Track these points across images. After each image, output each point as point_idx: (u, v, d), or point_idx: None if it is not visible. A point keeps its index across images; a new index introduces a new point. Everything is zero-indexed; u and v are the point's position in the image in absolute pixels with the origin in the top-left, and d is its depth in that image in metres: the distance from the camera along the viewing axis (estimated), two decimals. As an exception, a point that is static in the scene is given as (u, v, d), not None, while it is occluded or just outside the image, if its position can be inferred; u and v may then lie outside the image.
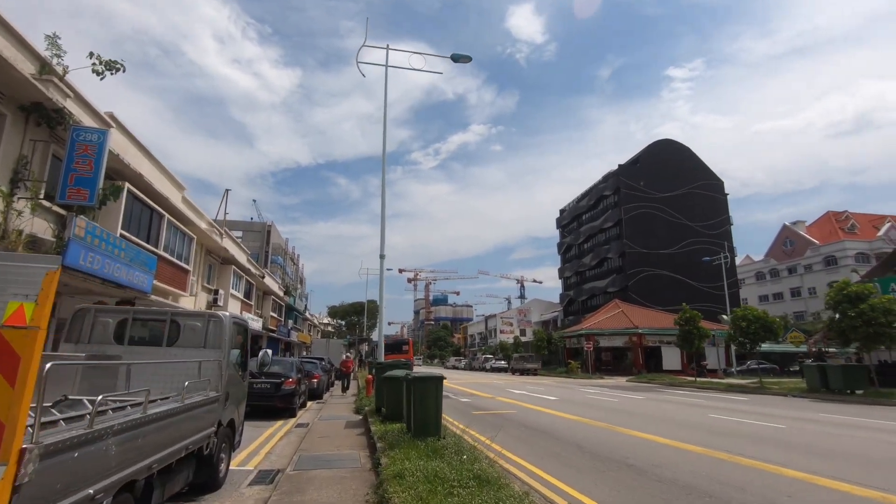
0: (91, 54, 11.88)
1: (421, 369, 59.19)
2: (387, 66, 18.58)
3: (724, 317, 50.13)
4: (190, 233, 21.00)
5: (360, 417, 11.90)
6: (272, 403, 12.75)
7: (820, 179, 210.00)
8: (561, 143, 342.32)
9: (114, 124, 14.93)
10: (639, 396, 19.23)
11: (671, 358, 44.40)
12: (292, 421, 12.41)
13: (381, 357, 16.39)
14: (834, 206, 75.01)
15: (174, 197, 19.51)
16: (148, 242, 16.74)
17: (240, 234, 56.84)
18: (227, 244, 26.75)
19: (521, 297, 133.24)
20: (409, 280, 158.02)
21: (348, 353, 17.09)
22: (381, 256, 17.22)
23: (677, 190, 59.67)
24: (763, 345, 44.66)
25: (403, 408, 9.32)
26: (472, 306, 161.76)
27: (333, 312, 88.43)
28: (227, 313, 6.14)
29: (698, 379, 28.52)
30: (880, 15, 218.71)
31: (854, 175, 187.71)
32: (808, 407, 15.84)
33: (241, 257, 30.39)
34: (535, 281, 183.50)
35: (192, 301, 23.00)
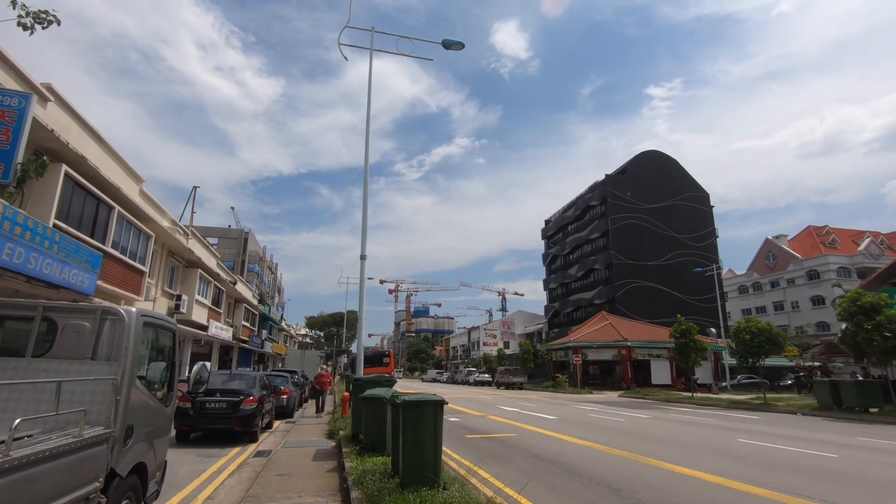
0: (14, 3, 9.84)
1: (402, 383, 56.74)
2: (371, 48, 16.92)
3: (713, 329, 49.38)
4: (147, 230, 18.75)
5: (333, 445, 9.91)
6: (228, 426, 10.68)
7: (793, 197, 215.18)
8: (543, 158, 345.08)
9: (52, 97, 12.82)
10: (644, 415, 17.57)
11: (660, 372, 43.18)
12: (251, 447, 10.36)
13: (360, 371, 14.40)
14: (805, 224, 75.83)
15: (128, 188, 17.31)
16: (92, 237, 14.52)
17: (215, 240, 54.33)
18: (194, 245, 24.47)
19: (503, 309, 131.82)
20: (391, 291, 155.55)
21: (324, 366, 14.91)
22: (362, 257, 15.34)
23: (664, 201, 59.16)
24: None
25: (387, 437, 7.41)
26: (453, 318, 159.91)
27: (311, 323, 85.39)
28: (134, 309, 4.21)
29: (695, 395, 27.09)
30: (847, 43, 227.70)
31: (824, 194, 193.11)
32: (833, 428, 14.38)
33: (210, 261, 28.04)
34: (516, 293, 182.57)
35: (149, 306, 20.64)
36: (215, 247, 49.41)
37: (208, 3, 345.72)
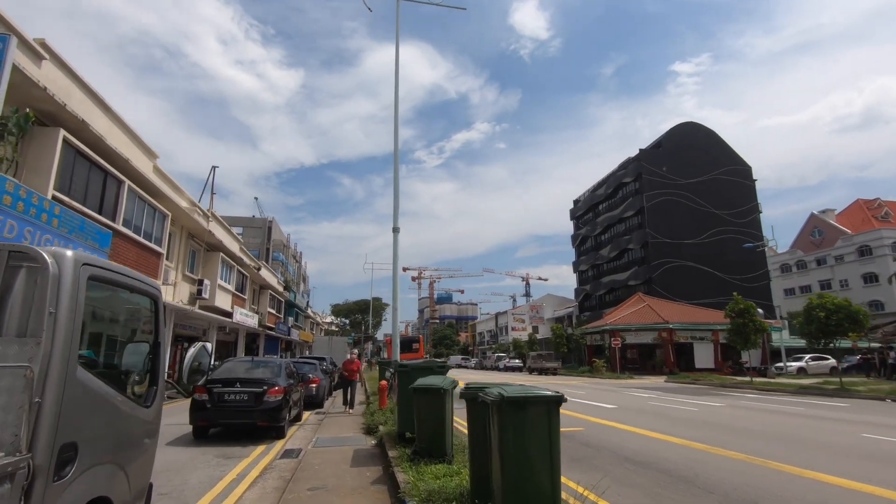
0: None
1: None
2: (398, -2, 15.14)
3: (761, 310, 46.40)
4: (163, 209, 17.49)
5: (374, 444, 8.33)
6: (251, 421, 9.23)
7: (827, 174, 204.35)
8: (564, 142, 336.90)
9: (47, 55, 11.41)
10: (716, 403, 15.58)
11: (704, 355, 40.79)
12: (278, 445, 8.89)
13: (397, 354, 12.85)
14: (840, 201, 71.00)
15: (141, 163, 16.00)
16: (100, 213, 13.23)
17: (240, 230, 54.10)
18: (215, 228, 23.29)
19: (527, 294, 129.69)
20: (413, 278, 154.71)
21: (353, 352, 13.31)
22: (395, 230, 13.71)
23: (702, 176, 55.83)
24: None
25: (447, 438, 5.75)
26: (476, 304, 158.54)
27: (337, 311, 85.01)
28: (70, 253, 2.56)
29: (753, 379, 24.82)
30: (881, 12, 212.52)
31: (860, 170, 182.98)
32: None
33: (233, 245, 26.94)
34: (540, 278, 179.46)
35: (168, 291, 19.54)
36: (240, 236, 48.90)
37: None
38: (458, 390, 4.92)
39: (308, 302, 67.19)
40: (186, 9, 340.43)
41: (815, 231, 67.96)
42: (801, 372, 32.37)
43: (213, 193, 24.60)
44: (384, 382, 10.58)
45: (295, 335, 48.79)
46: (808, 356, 34.67)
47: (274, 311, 39.50)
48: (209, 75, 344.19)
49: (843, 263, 61.92)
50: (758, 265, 55.11)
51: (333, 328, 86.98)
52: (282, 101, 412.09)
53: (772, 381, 25.33)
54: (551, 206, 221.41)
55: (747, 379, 25.44)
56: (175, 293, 20.27)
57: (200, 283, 22.00)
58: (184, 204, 19.95)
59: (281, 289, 42.98)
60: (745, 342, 24.74)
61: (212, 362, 15.96)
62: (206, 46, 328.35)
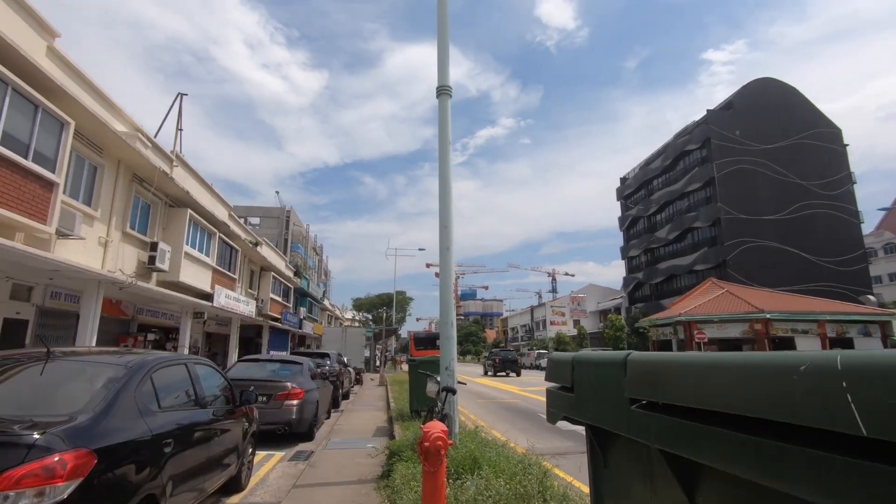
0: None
1: (472, 378, 47.77)
2: None
3: (872, 297, 37.81)
4: (61, 113, 10.84)
5: None
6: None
7: (868, 166, 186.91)
8: (587, 137, 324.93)
9: None
10: None
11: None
12: None
13: (451, 353, 5.80)
14: (877, 194, 60.61)
15: (16, 32, 9.40)
16: None
17: (257, 220, 48.94)
18: (181, 176, 16.69)
19: (553, 290, 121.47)
20: (437, 274, 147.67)
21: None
22: (442, 90, 6.62)
23: (783, 140, 47.02)
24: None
25: None
26: (502, 301, 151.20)
27: (359, 305, 78.87)
28: None
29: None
30: None
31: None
32: None
33: (217, 209, 20.22)
34: (567, 274, 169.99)
35: (86, 249, 12.94)
36: (256, 228, 43.11)
37: (253, 1, 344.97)
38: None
39: (325, 292, 60.88)
40: (214, 13, 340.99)
41: (911, 208, 58.15)
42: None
43: (179, 129, 18.03)
44: (431, 428, 3.48)
45: (308, 328, 42.40)
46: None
47: (279, 299, 32.99)
48: (237, 79, 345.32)
49: (947, 245, 52.39)
50: (853, 246, 46.24)
51: (356, 324, 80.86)
52: (306, 103, 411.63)
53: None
54: (576, 203, 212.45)
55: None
56: (106, 257, 13.69)
57: (154, 247, 15.38)
58: (119, 127, 13.32)
59: (290, 274, 36.58)
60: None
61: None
62: (234, 50, 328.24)
